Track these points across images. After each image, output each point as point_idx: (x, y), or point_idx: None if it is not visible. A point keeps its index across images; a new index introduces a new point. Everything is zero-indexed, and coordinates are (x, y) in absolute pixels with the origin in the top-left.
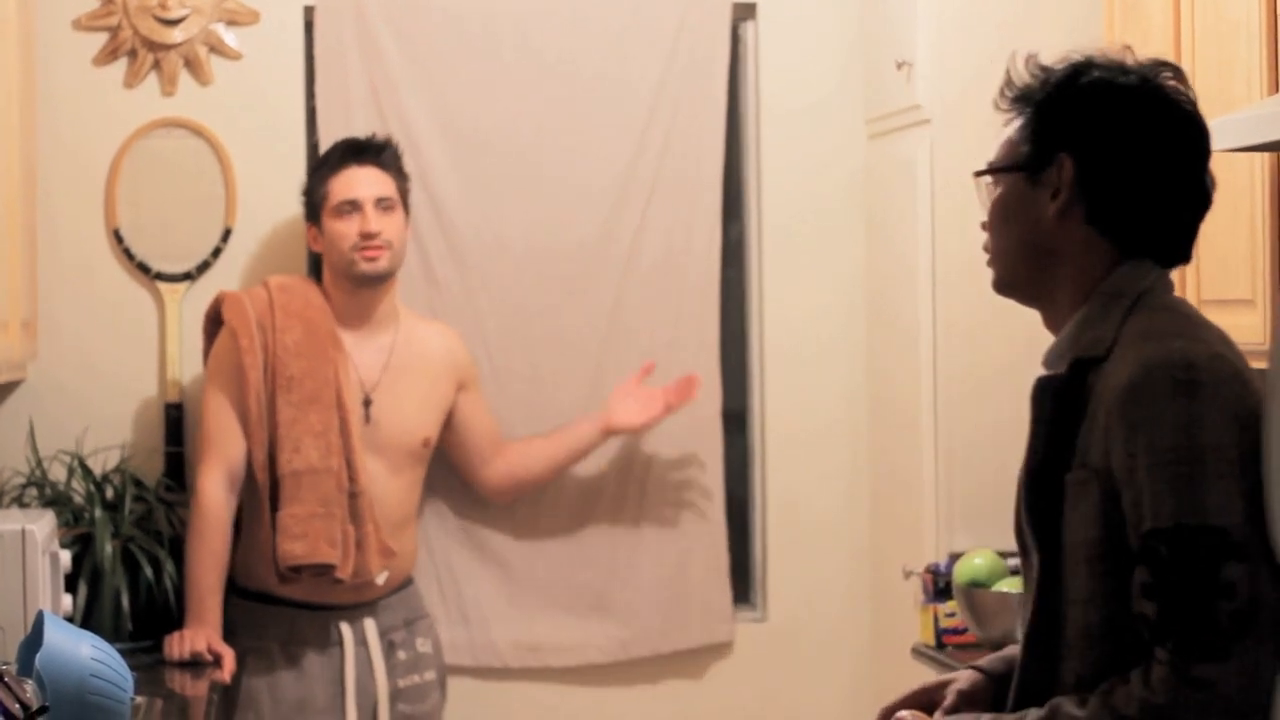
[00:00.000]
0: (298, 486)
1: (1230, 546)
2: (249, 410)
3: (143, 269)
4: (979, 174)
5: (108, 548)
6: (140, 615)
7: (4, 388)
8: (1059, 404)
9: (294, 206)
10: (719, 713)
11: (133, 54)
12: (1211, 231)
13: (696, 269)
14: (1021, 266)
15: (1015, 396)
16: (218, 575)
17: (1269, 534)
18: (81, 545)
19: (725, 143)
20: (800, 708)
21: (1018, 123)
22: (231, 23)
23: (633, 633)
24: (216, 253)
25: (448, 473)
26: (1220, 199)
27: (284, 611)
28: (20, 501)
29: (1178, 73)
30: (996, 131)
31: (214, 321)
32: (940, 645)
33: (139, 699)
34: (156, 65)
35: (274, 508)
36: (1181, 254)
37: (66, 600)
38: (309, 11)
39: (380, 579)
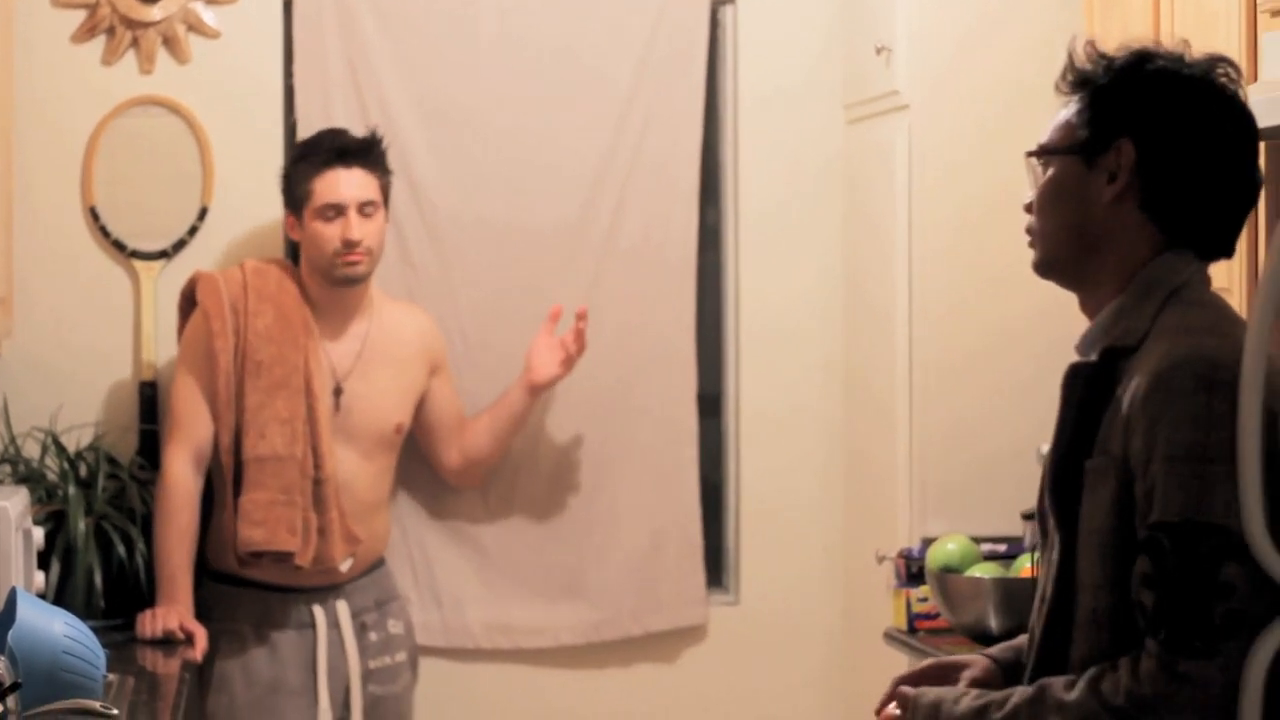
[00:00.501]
0: (261, 472)
1: (1233, 547)
2: (218, 393)
3: (119, 247)
4: (1031, 154)
5: (81, 525)
6: (113, 593)
7: None
8: (1088, 391)
9: (271, 186)
10: (691, 696)
11: (111, 31)
12: None
13: (674, 252)
14: (1066, 249)
15: (990, 382)
16: (187, 554)
17: (1247, 532)
18: (55, 523)
19: (703, 127)
20: (772, 691)
21: (1075, 106)
22: (210, 1)
23: (605, 615)
24: (193, 231)
25: (422, 455)
26: None
27: (256, 594)
28: None
29: (1234, 70)
30: (977, 118)
31: (189, 301)
32: (912, 630)
33: (111, 676)
34: (135, 43)
35: (237, 492)
36: (1226, 246)
37: (39, 577)
38: None
39: (344, 566)
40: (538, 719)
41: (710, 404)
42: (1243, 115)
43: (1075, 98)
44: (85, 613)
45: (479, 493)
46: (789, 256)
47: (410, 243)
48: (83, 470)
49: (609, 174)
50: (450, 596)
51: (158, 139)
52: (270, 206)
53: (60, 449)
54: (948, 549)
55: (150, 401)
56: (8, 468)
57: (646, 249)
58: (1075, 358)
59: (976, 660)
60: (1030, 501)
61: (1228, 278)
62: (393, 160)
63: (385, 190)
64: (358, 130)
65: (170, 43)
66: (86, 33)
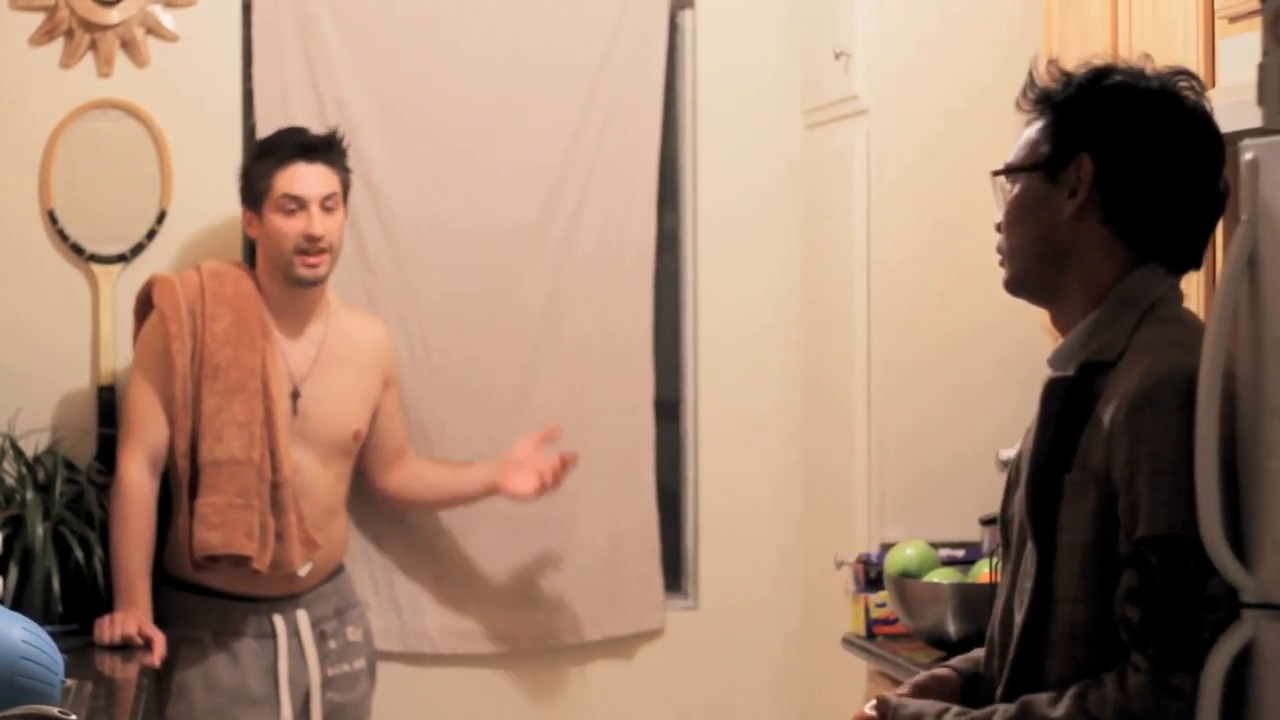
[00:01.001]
0: (218, 476)
1: None
2: (174, 397)
3: (77, 250)
4: (997, 173)
5: (39, 530)
6: (70, 598)
7: None
8: (1065, 405)
9: (230, 190)
10: (649, 700)
11: (70, 34)
12: None
13: (632, 257)
14: (1035, 266)
15: (949, 388)
16: (144, 558)
17: (1205, 539)
18: (12, 527)
19: (662, 131)
20: (730, 696)
21: (1039, 124)
22: (169, 4)
23: (564, 620)
24: (151, 235)
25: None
26: None
27: (216, 602)
28: None
29: (1195, 81)
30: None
31: (145, 304)
32: (871, 635)
33: (69, 681)
34: (93, 46)
35: (194, 497)
36: (1194, 259)
37: None
38: None
39: (303, 571)
40: None
41: (668, 409)
42: (1204, 126)
43: (1037, 115)
44: (43, 618)
45: None
46: (747, 261)
47: (368, 246)
48: (40, 475)
49: (567, 178)
50: (409, 602)
51: (116, 142)
52: (229, 209)
53: (18, 453)
54: (906, 554)
55: (109, 406)
56: None
57: (605, 253)
58: (1034, 363)
59: (940, 672)
60: (989, 507)
61: (1185, 285)
62: (352, 163)
63: (345, 188)
64: (318, 132)
65: (129, 46)
66: (45, 35)
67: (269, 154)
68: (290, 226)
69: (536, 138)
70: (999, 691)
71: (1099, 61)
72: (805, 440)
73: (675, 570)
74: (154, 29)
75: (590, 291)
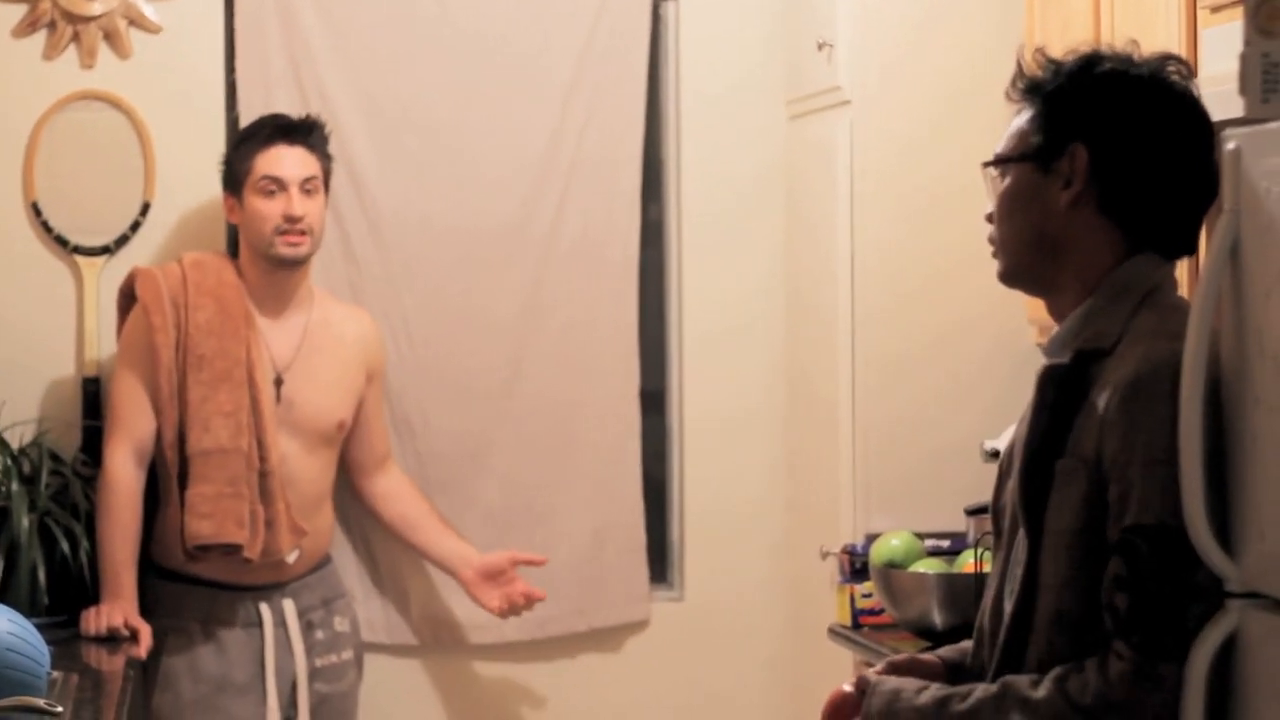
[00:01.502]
0: (206, 466)
1: None
2: (160, 389)
3: (61, 242)
4: (987, 165)
5: (24, 522)
6: (56, 590)
7: None
8: (1060, 392)
9: (213, 181)
10: (635, 691)
11: (52, 26)
12: None
13: (616, 249)
14: (1029, 257)
15: (933, 378)
16: (130, 550)
17: (1189, 525)
18: None
19: (645, 122)
20: (716, 687)
21: (1028, 113)
22: None
23: (550, 611)
24: (135, 226)
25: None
26: None
27: (203, 591)
28: None
29: (1184, 66)
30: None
31: (128, 297)
32: (856, 625)
33: (55, 673)
34: (76, 38)
35: (183, 487)
36: (1187, 245)
37: None
38: None
39: (291, 558)
40: (482, 715)
41: (653, 400)
42: (1195, 111)
43: (1026, 105)
44: (29, 610)
45: (423, 490)
46: (731, 252)
47: (352, 238)
48: (25, 467)
49: (551, 170)
50: (395, 593)
51: (99, 134)
52: (213, 200)
53: (3, 445)
54: (891, 545)
55: (93, 397)
56: None
57: (588, 245)
58: (1018, 354)
59: (925, 658)
60: (974, 498)
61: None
62: (335, 155)
63: (327, 174)
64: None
65: (111, 37)
66: (27, 27)
67: (249, 138)
68: (270, 208)
69: (520, 129)
70: (988, 679)
71: (1087, 49)
72: (790, 431)
73: (661, 561)
74: (136, 20)
75: (575, 284)
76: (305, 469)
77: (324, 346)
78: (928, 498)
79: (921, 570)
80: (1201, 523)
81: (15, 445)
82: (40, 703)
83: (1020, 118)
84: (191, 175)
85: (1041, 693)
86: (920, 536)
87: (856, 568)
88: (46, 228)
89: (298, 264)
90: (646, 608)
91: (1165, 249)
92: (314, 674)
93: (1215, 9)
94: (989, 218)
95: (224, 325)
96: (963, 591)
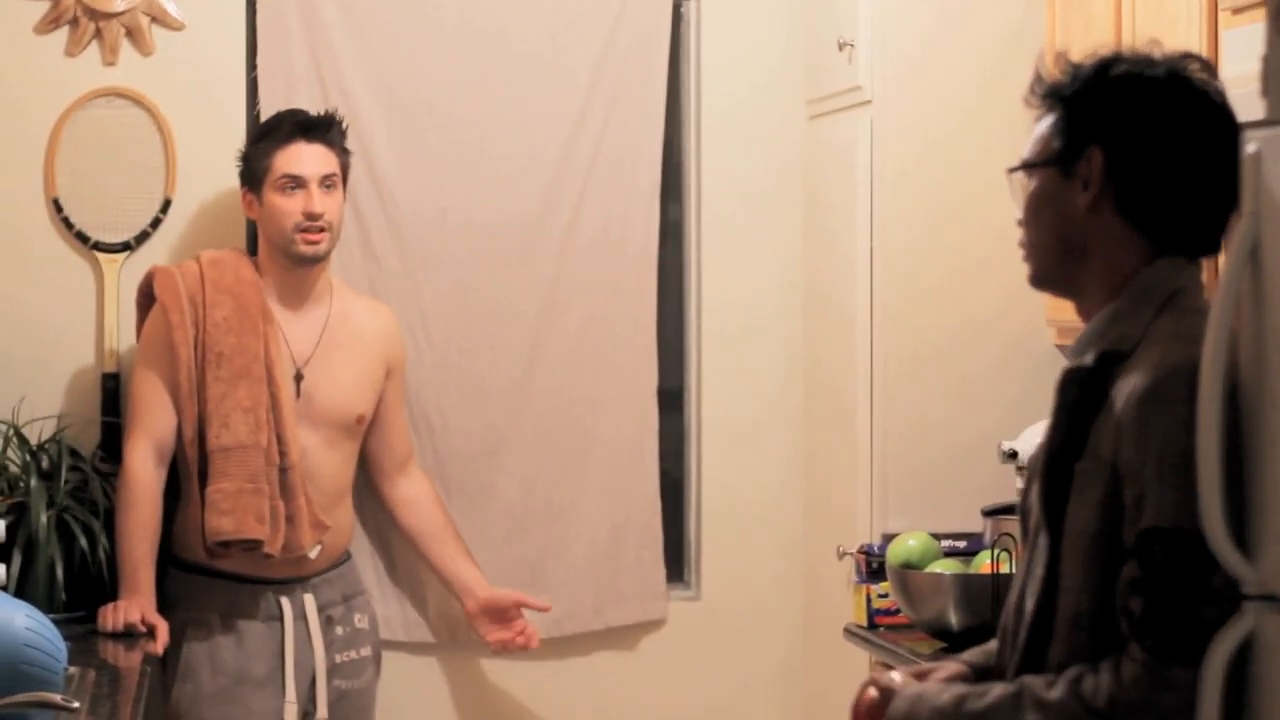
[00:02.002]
0: (226, 462)
1: None
2: (179, 386)
3: (81, 238)
4: (1012, 170)
5: (43, 518)
6: (74, 586)
7: None
8: (1081, 394)
9: (234, 178)
10: (651, 690)
11: (74, 22)
12: None
13: (634, 247)
14: (1055, 260)
15: (951, 379)
16: (149, 547)
17: (1206, 529)
18: (16, 515)
19: (665, 121)
20: (732, 686)
21: (1049, 118)
22: None
23: (566, 610)
24: (156, 223)
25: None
26: None
27: (223, 584)
28: None
29: (1205, 65)
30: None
31: (147, 296)
32: (872, 626)
33: (72, 669)
34: (98, 34)
35: (204, 484)
36: (1210, 245)
37: (0, 570)
38: None
39: (313, 553)
40: (498, 713)
41: (671, 399)
42: (1215, 109)
43: (1048, 110)
44: (47, 606)
45: (440, 487)
46: (750, 251)
47: (372, 234)
48: (45, 463)
49: (570, 168)
50: (412, 591)
51: (121, 131)
52: (234, 198)
53: (22, 441)
54: (908, 545)
55: (113, 394)
56: None
57: (607, 243)
58: (1036, 355)
59: (945, 664)
60: (991, 498)
61: None
62: (356, 152)
63: (345, 169)
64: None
65: (134, 34)
66: (50, 24)
67: (268, 134)
68: (290, 205)
69: (540, 126)
70: (1010, 676)
71: (1106, 52)
72: (808, 430)
73: (678, 560)
74: (159, 17)
75: (593, 281)
76: (325, 463)
77: (343, 340)
78: (945, 498)
79: (938, 571)
80: (1218, 524)
81: (34, 441)
82: (57, 698)
83: (1043, 123)
84: (213, 172)
85: (1056, 694)
86: (937, 537)
87: (873, 568)
88: (67, 224)
89: (317, 260)
90: (663, 606)
91: (1189, 250)
92: (333, 670)
93: (1237, 10)
94: (1019, 223)
95: (242, 322)
96: (979, 592)
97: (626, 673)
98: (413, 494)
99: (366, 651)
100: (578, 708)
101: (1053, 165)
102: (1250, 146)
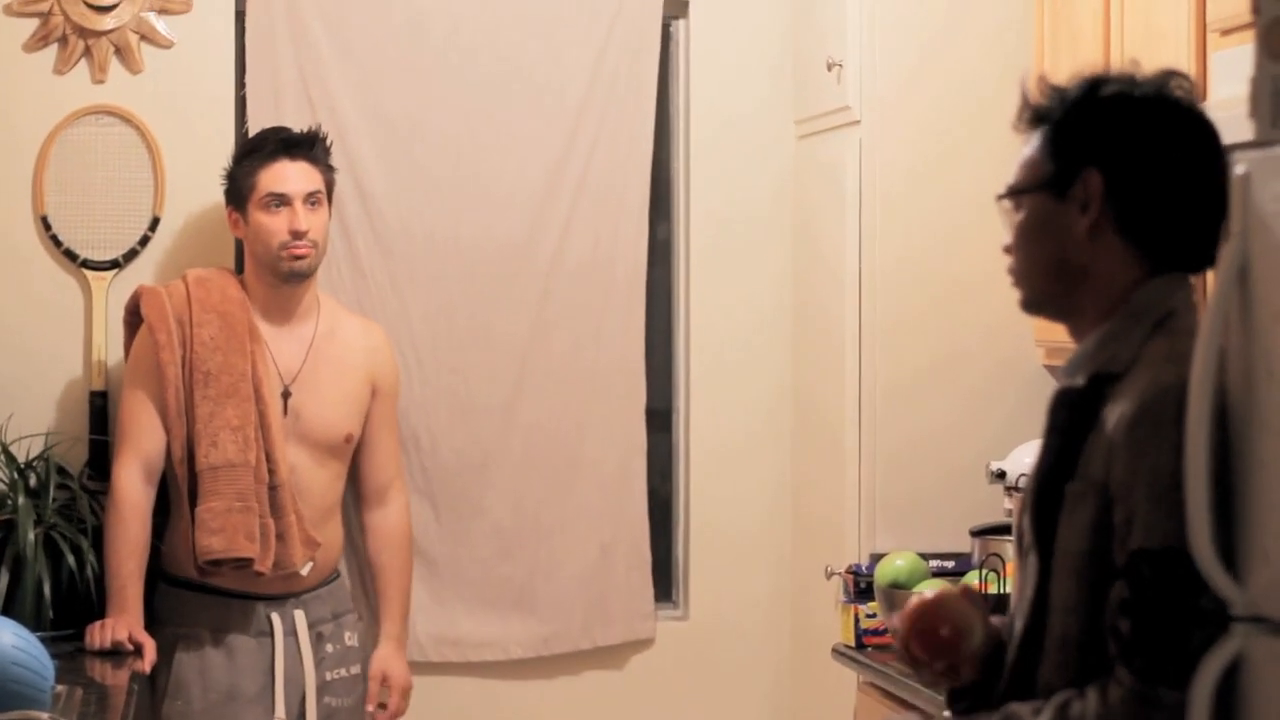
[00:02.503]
0: (215, 481)
1: None
2: (168, 405)
3: (70, 256)
4: (1001, 197)
5: (30, 535)
6: (62, 604)
7: None
8: (1073, 415)
9: (223, 196)
10: (639, 710)
11: (64, 40)
12: None
13: (623, 267)
14: (1050, 285)
15: (940, 399)
16: (137, 565)
17: (1194, 549)
18: (4, 532)
19: (654, 141)
20: (720, 705)
21: (1036, 142)
22: (163, 11)
23: (554, 629)
24: (144, 241)
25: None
26: None
27: (213, 599)
28: None
29: (1186, 81)
30: (929, 135)
31: (134, 315)
32: (860, 645)
33: (59, 687)
34: (87, 52)
35: (193, 502)
36: (1209, 258)
37: None
38: (240, 1)
39: (305, 570)
40: None
41: (660, 419)
42: (1202, 125)
43: (1035, 134)
44: (34, 623)
45: (429, 505)
46: (739, 272)
47: (360, 252)
48: (32, 480)
49: (559, 187)
50: None
51: (110, 148)
52: (222, 217)
53: (10, 458)
54: (896, 565)
55: (101, 411)
56: None
57: (597, 263)
58: (1024, 376)
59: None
60: (979, 518)
61: None
62: (344, 171)
63: (329, 186)
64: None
65: (123, 52)
66: (39, 41)
67: (253, 153)
68: (275, 223)
69: (529, 146)
70: (998, 698)
71: (1089, 73)
72: (796, 450)
73: (666, 580)
74: (148, 36)
75: (582, 301)
76: (315, 480)
77: (330, 357)
78: (933, 518)
79: (926, 591)
80: (1207, 545)
81: (22, 458)
82: (44, 717)
83: (1029, 147)
84: (201, 190)
85: (1042, 719)
86: (925, 557)
87: (861, 588)
88: (56, 242)
89: (303, 276)
90: (652, 626)
91: (1186, 265)
92: (323, 687)
93: (1225, 32)
94: (1006, 249)
95: (229, 340)
96: None
97: (614, 692)
98: (383, 527)
99: (357, 669)
100: None
101: (1046, 190)
102: (1239, 168)
